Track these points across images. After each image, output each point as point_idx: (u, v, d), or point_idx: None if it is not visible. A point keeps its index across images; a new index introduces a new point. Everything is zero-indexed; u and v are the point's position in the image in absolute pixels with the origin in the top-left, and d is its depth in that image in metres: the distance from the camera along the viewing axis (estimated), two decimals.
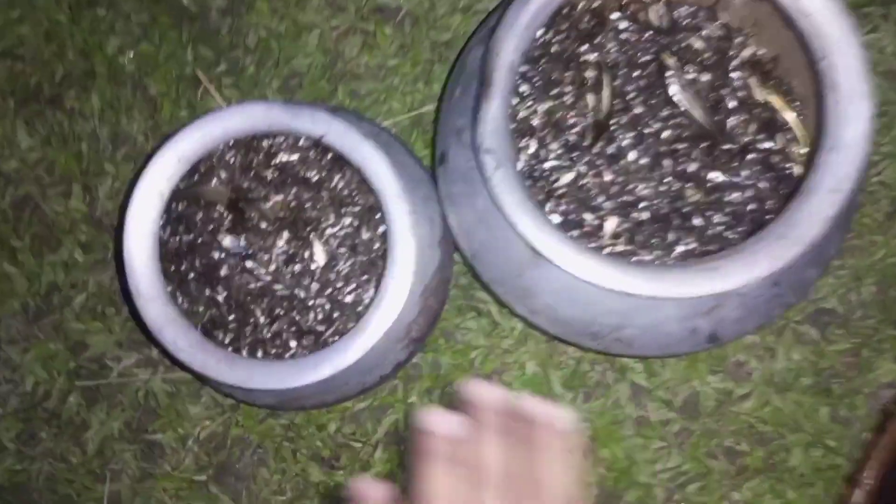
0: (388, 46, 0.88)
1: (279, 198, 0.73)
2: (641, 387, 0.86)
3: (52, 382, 0.87)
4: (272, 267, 0.73)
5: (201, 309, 0.72)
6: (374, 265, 0.72)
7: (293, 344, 0.72)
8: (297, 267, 0.73)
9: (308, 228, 0.73)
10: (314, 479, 0.85)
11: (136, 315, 0.72)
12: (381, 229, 0.72)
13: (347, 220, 0.73)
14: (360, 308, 0.71)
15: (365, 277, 0.72)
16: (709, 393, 0.86)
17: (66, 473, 0.86)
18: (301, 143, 0.73)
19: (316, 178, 0.73)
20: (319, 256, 0.73)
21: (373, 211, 0.72)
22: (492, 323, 0.86)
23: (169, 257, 0.71)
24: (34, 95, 0.90)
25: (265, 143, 0.74)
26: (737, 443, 0.86)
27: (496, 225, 0.64)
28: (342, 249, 0.72)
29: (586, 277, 0.59)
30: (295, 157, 0.73)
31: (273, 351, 0.72)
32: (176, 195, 0.71)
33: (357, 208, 0.73)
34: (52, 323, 0.87)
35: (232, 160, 0.74)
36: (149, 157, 0.71)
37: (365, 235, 0.72)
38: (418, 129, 0.88)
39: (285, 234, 0.73)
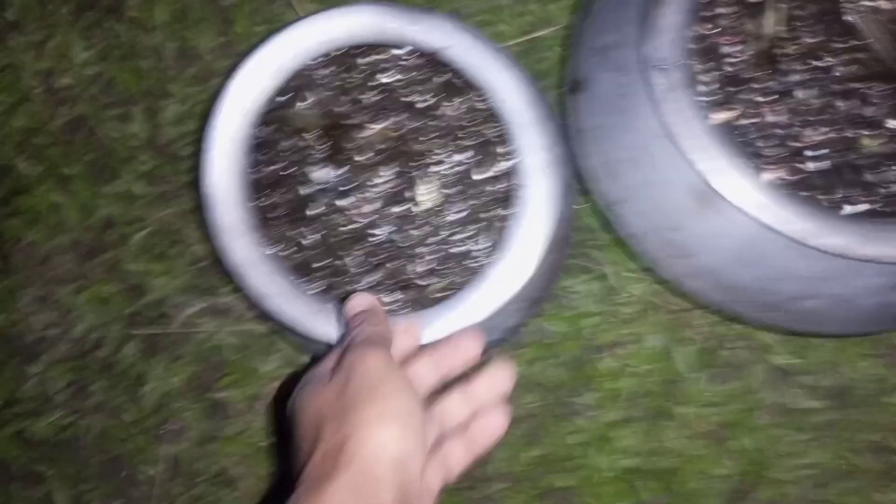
0: None
1: (380, 126, 0.62)
2: (781, 370, 0.74)
3: (105, 329, 0.77)
4: (369, 207, 0.61)
5: (287, 252, 0.61)
6: (491, 211, 0.60)
7: (389, 299, 0.61)
8: (398, 209, 0.61)
9: (413, 164, 0.61)
10: None
11: (212, 256, 0.62)
12: (501, 167, 0.60)
13: (461, 156, 0.61)
14: (472, 261, 0.60)
15: (480, 225, 0.60)
16: (859, 380, 0.74)
17: (118, 431, 0.76)
18: (409, 60, 0.61)
19: (425, 103, 0.61)
20: (425, 197, 0.61)
21: (493, 145, 0.60)
22: (607, 287, 0.75)
23: (252, 190, 0.60)
24: (92, 2, 0.78)
25: (366, 60, 0.62)
26: (886, 439, 0.73)
27: (655, 163, 0.52)
28: (453, 190, 0.61)
29: (786, 230, 0.47)
30: (401, 76, 0.61)
31: None
32: (261, 118, 0.60)
33: (474, 141, 0.61)
34: (106, 262, 0.77)
35: (326, 79, 0.62)
36: (230, 73, 0.60)
37: (481, 174, 0.61)
38: (530, 56, 0.76)
39: (385, 170, 0.61)
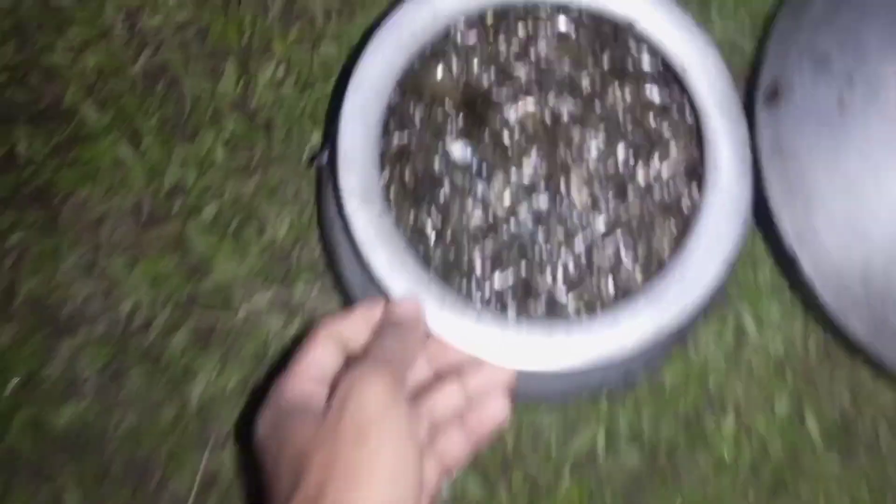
0: None
1: (532, 106, 0.53)
2: None
3: (155, 309, 0.66)
4: (509, 198, 0.52)
5: (407, 234, 0.52)
6: (655, 223, 0.51)
7: (514, 311, 0.51)
8: (544, 203, 0.51)
9: (567, 154, 0.52)
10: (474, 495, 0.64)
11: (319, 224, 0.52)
12: (675, 172, 0.51)
13: (626, 152, 0.51)
14: (622, 279, 0.50)
15: (638, 237, 0.51)
16: None
17: (152, 432, 0.65)
18: (578, 30, 0.52)
19: (590, 84, 0.52)
20: (577, 195, 0.52)
21: (667, 144, 0.51)
22: (742, 336, 0.65)
23: (381, 161, 0.51)
24: None
25: (524, 25, 0.53)
26: None
27: (877, 191, 0.43)
28: (611, 191, 0.51)
29: None
30: (564, 49, 0.52)
31: (487, 314, 0.51)
32: (396, 84, 0.51)
33: (644, 137, 0.52)
34: (169, 234, 0.67)
35: (473, 46, 0.53)
36: (370, 32, 0.51)
37: (649, 177, 0.51)
38: None
39: (533, 158, 0.52)
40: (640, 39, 0.49)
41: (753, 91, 0.51)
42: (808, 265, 0.49)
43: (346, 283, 0.53)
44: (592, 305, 0.50)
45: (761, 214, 0.52)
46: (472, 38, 0.54)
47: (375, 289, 0.47)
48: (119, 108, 0.68)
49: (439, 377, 0.46)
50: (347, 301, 0.54)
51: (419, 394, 0.45)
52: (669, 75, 0.51)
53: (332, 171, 0.47)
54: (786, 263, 0.53)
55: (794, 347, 0.64)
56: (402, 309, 0.46)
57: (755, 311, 0.64)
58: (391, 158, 0.52)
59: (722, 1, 0.68)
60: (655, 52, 0.49)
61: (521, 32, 0.54)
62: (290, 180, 0.67)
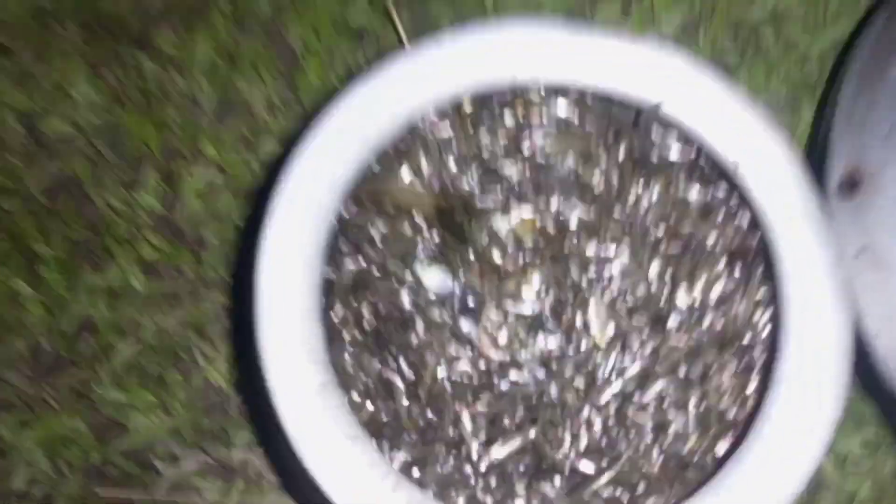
0: None
1: (529, 213, 0.40)
2: None
3: (57, 484, 0.52)
4: (506, 338, 0.39)
5: (364, 397, 0.38)
6: (708, 363, 0.38)
7: (523, 498, 0.37)
8: (554, 343, 0.39)
9: (583, 274, 0.39)
10: None
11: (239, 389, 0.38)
12: (728, 291, 0.38)
13: (660, 268, 0.39)
14: (672, 446, 0.37)
15: (687, 386, 0.37)
16: None
17: None
18: (584, 116, 0.40)
19: (605, 183, 0.40)
20: (598, 329, 0.39)
21: (716, 257, 0.38)
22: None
23: (326, 296, 0.38)
24: (112, 28, 0.59)
25: (514, 112, 0.41)
26: None
27: None
28: (643, 322, 0.38)
29: None
30: (567, 138, 0.40)
31: (488, 500, 0.37)
32: (348, 194, 0.38)
33: (682, 248, 0.39)
34: (75, 384, 0.53)
35: (449, 140, 0.41)
36: (308, 124, 0.39)
37: (693, 301, 0.38)
38: None
39: (536, 282, 0.39)
40: (669, 124, 0.37)
41: (820, 182, 0.39)
42: None
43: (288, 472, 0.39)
44: (628, 480, 0.37)
45: None
46: (445, 130, 0.41)
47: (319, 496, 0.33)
48: (16, 232, 0.55)
49: None
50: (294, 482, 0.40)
51: None
52: (708, 165, 0.39)
53: (250, 327, 0.33)
54: (882, 395, 0.40)
55: (883, 493, 0.51)
56: None
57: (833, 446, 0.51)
58: (342, 292, 0.39)
59: (751, 70, 0.57)
60: (689, 139, 0.37)
61: (508, 121, 0.42)
62: (225, 312, 0.54)
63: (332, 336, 0.39)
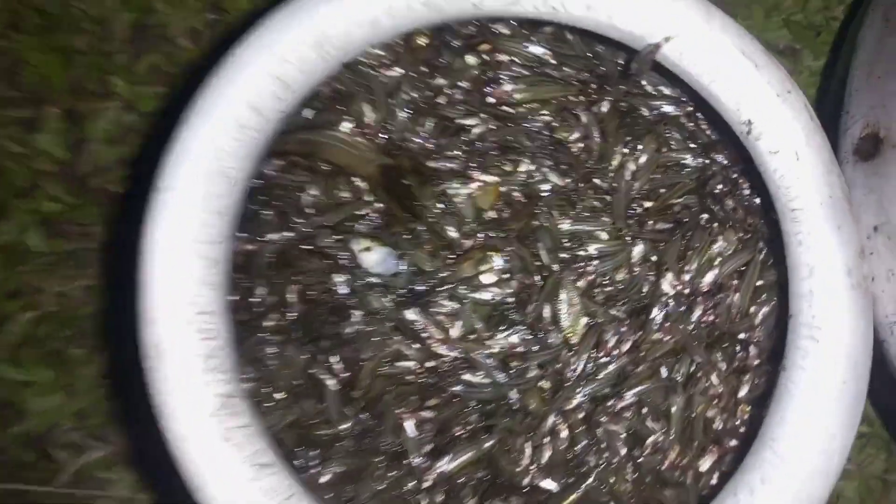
0: None
1: (492, 177, 0.33)
2: None
3: None
4: (459, 328, 0.32)
5: (285, 401, 0.32)
6: (701, 364, 0.32)
7: None
8: (517, 337, 0.32)
9: (553, 253, 0.33)
10: None
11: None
12: (724, 275, 0.32)
13: (644, 247, 0.32)
14: (653, 462, 0.31)
15: (669, 390, 0.32)
16: None
17: None
18: (564, 60, 0.33)
19: (582, 143, 0.33)
20: (570, 322, 0.32)
21: (714, 234, 0.32)
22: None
23: (237, 275, 0.31)
24: None
25: (477, 53, 0.34)
26: None
27: None
28: (622, 312, 0.32)
29: None
30: (541, 90, 0.33)
31: None
32: (270, 146, 0.31)
33: (672, 223, 0.33)
34: None
35: (397, 83, 0.34)
36: (209, 53, 0.31)
37: (683, 287, 0.32)
38: None
39: (497, 262, 0.33)
40: (664, 71, 0.30)
41: (833, 144, 0.33)
42: None
43: None
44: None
45: None
46: (399, 71, 0.34)
47: None
48: None
49: None
50: None
51: None
52: (709, 124, 0.32)
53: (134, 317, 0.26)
54: (890, 395, 0.35)
55: (870, 493, 0.46)
56: None
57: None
58: (262, 270, 0.32)
59: (749, 7, 0.50)
60: (688, 91, 0.30)
61: (471, 61, 0.34)
62: None
63: (250, 324, 0.32)
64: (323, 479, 0.32)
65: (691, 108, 0.34)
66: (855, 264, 0.27)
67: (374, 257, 0.32)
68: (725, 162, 0.34)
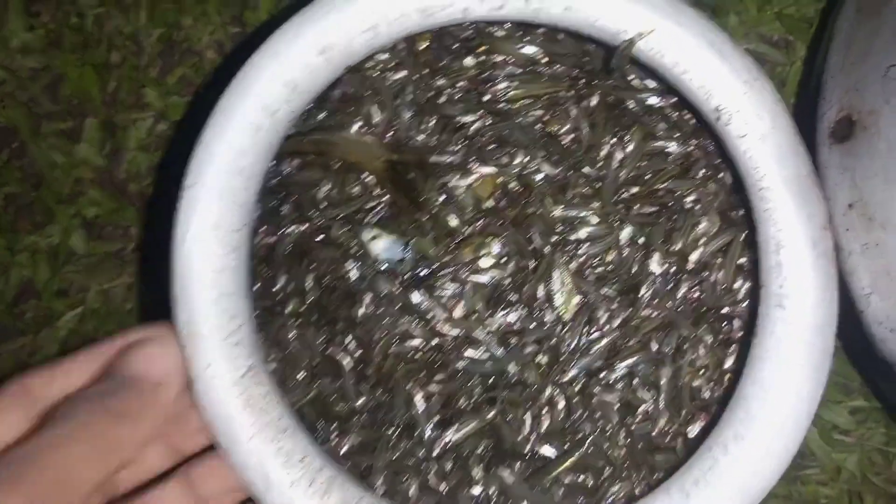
0: None
1: (491, 170, 0.36)
2: None
3: None
4: (461, 311, 0.35)
5: (305, 381, 0.35)
6: (687, 335, 0.34)
7: (480, 484, 0.34)
8: (515, 316, 0.35)
9: (546, 240, 0.35)
10: None
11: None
12: (707, 255, 0.34)
13: (632, 230, 0.35)
14: (648, 425, 0.33)
15: (660, 362, 0.34)
16: None
17: None
18: (556, 58, 0.36)
19: (575, 135, 0.36)
20: (566, 299, 0.35)
21: (696, 217, 0.34)
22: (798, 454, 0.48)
23: (258, 265, 0.34)
24: None
25: (476, 55, 0.36)
26: None
27: None
28: (613, 290, 0.35)
29: None
30: (538, 87, 0.36)
31: (441, 486, 0.34)
32: (283, 146, 0.34)
33: (658, 207, 0.35)
34: (15, 354, 0.50)
35: (401, 84, 0.36)
36: (231, 63, 0.34)
37: (669, 266, 0.35)
38: None
39: (496, 248, 0.35)
40: (646, 66, 0.33)
41: (809, 129, 0.35)
42: None
43: None
44: (597, 470, 0.34)
45: None
46: (403, 73, 0.37)
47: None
48: None
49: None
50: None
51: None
52: (691, 114, 0.35)
53: (171, 298, 0.30)
54: (871, 361, 0.36)
55: (872, 465, 0.48)
56: (141, 360, 0.29)
57: (818, 415, 0.48)
58: (279, 263, 0.35)
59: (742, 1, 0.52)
60: (670, 83, 0.33)
61: (469, 62, 0.37)
62: None
63: (273, 309, 0.35)
64: (342, 450, 0.35)
65: (675, 99, 0.36)
66: (821, 236, 0.29)
67: (382, 245, 0.35)
68: (710, 148, 0.36)
